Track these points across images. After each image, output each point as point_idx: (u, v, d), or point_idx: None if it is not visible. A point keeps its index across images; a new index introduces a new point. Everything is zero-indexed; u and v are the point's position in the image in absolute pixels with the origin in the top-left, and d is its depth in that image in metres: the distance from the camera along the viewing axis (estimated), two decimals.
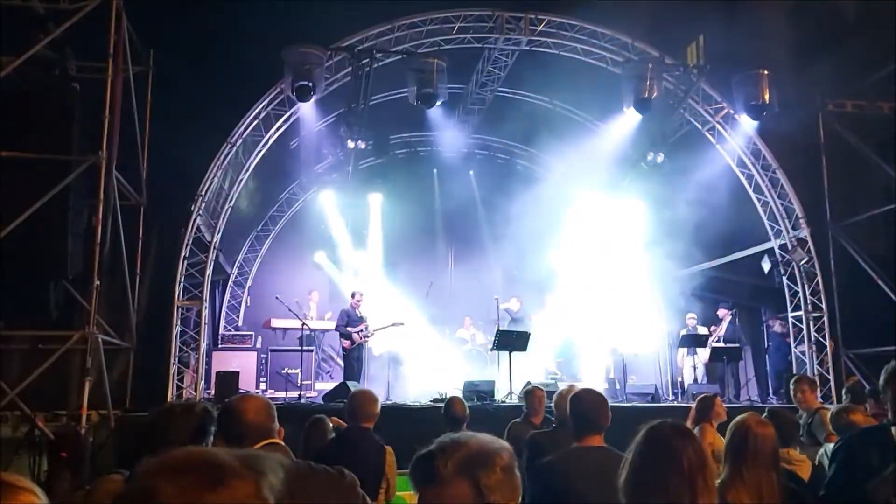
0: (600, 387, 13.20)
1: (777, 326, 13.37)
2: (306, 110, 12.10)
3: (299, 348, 12.33)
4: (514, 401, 9.83)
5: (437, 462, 1.52)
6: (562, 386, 5.58)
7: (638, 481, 2.10)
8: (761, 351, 14.28)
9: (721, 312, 13.27)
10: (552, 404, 4.82)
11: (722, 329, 13.06)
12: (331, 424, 5.48)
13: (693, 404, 5.97)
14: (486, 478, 1.49)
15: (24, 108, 8.88)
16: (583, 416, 3.60)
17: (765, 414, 3.94)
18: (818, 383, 7.26)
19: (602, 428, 3.57)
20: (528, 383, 10.46)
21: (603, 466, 3.28)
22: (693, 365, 13.20)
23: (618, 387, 12.59)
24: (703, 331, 13.12)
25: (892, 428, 2.90)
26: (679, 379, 14.02)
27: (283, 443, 2.72)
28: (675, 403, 11.53)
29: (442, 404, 5.94)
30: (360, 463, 4.13)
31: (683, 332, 13.22)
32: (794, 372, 12.19)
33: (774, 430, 3.09)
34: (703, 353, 13.02)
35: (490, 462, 1.52)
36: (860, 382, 10.04)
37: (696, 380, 12.96)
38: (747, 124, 12.43)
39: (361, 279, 14.83)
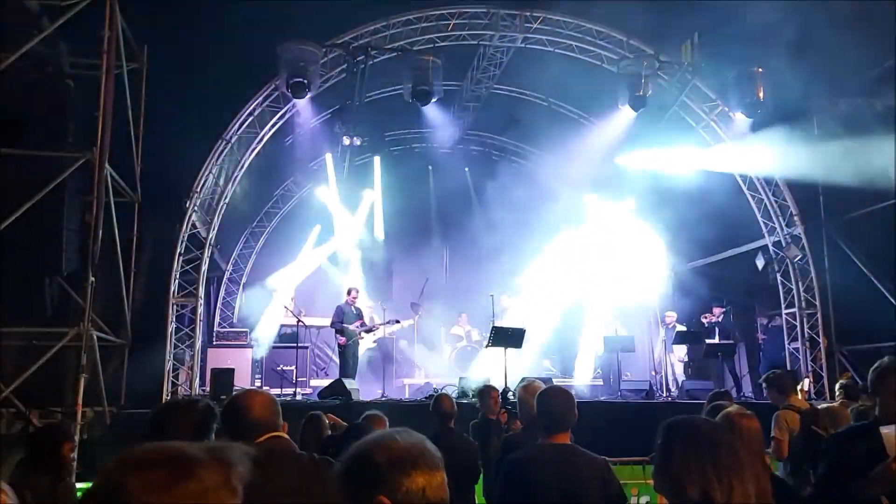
0: (594, 383, 13.27)
1: (775, 321, 13.44)
2: (301, 107, 12.09)
3: (294, 345, 12.33)
4: (509, 397, 9.84)
5: None
6: (557, 382, 5.58)
7: (690, 480, 1.97)
8: (756, 347, 14.34)
9: (716, 311, 13.32)
10: (516, 401, 4.79)
11: (714, 317, 13.13)
12: (327, 421, 5.51)
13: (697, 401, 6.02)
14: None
15: (17, 104, 8.84)
16: (551, 414, 3.50)
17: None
18: (791, 378, 7.27)
19: (570, 426, 3.49)
20: (524, 379, 10.50)
21: (568, 464, 3.30)
22: (681, 360, 13.24)
23: (612, 382, 12.63)
24: (680, 328, 13.19)
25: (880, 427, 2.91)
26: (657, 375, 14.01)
27: (286, 436, 2.72)
28: (670, 400, 11.56)
29: None
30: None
31: (663, 330, 13.30)
32: (788, 368, 12.28)
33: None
34: (679, 350, 13.12)
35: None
36: (853, 378, 10.10)
37: (674, 375, 13.03)
38: (742, 122, 12.46)
39: (356, 276, 14.87)
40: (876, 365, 3.04)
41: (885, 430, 2.64)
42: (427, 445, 1.65)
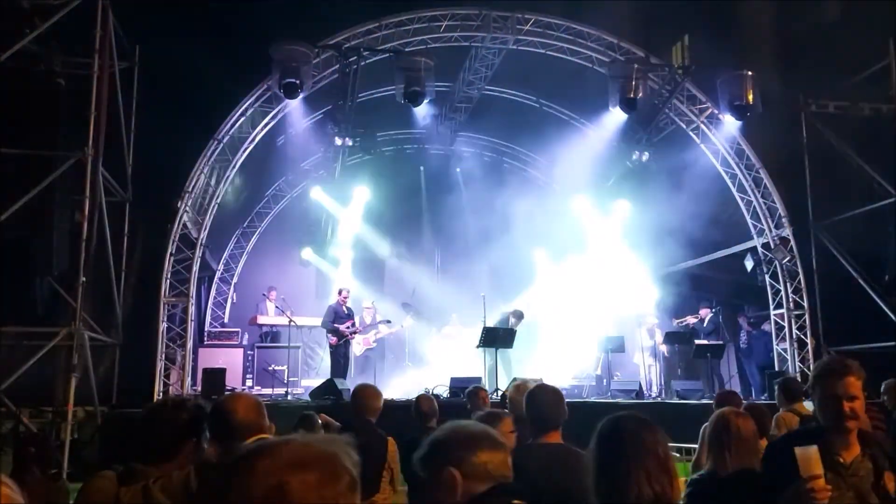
0: (586, 383, 13.32)
1: (764, 325, 13.51)
2: (293, 107, 12.09)
3: (286, 345, 12.33)
4: (499, 398, 9.88)
5: None
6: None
7: (614, 478, 2.08)
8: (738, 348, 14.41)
9: (703, 312, 13.40)
10: (508, 402, 4.76)
11: (697, 319, 13.22)
12: (320, 421, 5.54)
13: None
14: None
15: (8, 104, 8.84)
16: (540, 414, 3.48)
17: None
18: (800, 385, 7.31)
19: (559, 424, 3.46)
20: (515, 379, 10.56)
21: (561, 463, 3.26)
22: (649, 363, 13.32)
23: (604, 383, 12.69)
24: (658, 336, 13.26)
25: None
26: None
27: (272, 437, 2.76)
28: (660, 400, 11.64)
29: None
30: (363, 453, 4.17)
31: (640, 330, 13.37)
32: (777, 369, 12.37)
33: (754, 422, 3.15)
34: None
35: None
36: None
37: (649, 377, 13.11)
38: (731, 124, 12.55)
39: (347, 276, 14.89)
40: (816, 364, 2.97)
41: (799, 450, 2.53)
42: (491, 431, 1.99)
